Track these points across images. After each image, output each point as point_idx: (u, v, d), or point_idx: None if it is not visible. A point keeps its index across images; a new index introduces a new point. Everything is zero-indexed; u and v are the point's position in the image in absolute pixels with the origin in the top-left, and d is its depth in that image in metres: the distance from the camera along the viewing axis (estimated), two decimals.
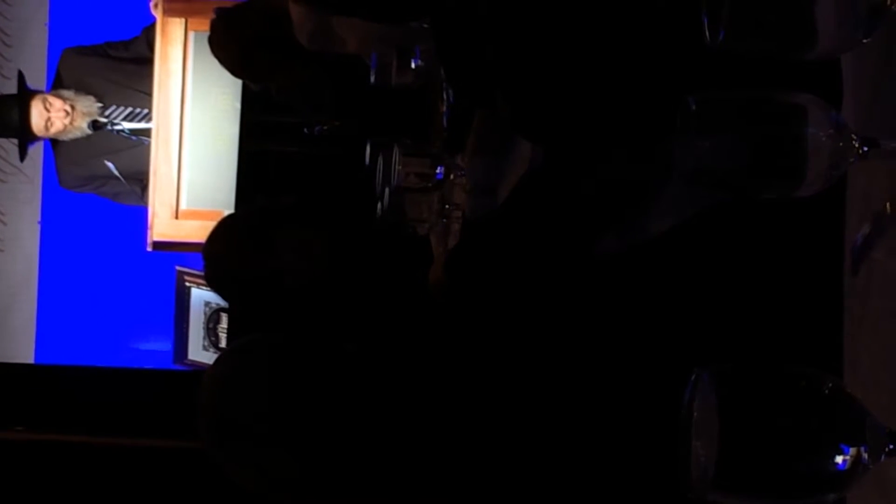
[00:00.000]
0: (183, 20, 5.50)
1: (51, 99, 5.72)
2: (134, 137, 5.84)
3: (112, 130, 5.82)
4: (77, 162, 5.92)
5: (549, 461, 2.05)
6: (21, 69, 6.02)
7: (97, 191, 6.00)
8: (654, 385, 1.69)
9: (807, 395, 1.24)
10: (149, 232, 5.58)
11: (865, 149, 1.40)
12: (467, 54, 2.43)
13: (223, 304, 5.69)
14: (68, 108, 5.71)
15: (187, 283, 5.95)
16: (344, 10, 3.15)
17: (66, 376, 5.97)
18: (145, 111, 5.74)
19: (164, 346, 6.24)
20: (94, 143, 5.84)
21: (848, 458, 1.22)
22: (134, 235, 6.07)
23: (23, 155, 5.93)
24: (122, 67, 5.86)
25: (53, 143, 5.95)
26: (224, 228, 2.99)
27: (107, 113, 5.80)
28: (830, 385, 1.24)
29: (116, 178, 5.85)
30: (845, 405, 1.24)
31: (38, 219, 6.74)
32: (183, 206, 5.59)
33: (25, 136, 5.78)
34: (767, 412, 1.23)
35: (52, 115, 5.70)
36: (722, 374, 1.24)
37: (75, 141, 5.84)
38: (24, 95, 5.79)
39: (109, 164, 5.82)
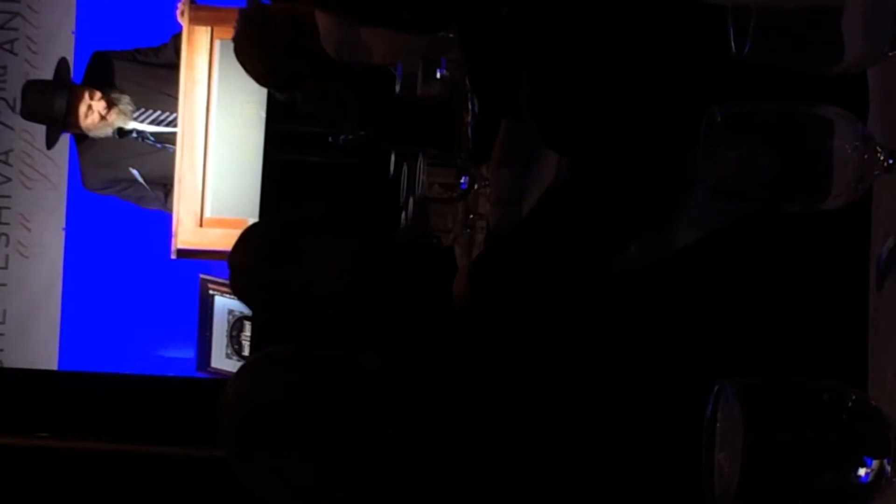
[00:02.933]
0: (209, 28, 5.52)
1: (96, 92, 5.76)
2: (159, 145, 5.86)
3: (137, 138, 5.85)
4: (102, 164, 5.95)
5: (573, 471, 2.04)
6: (48, 78, 6.05)
7: (120, 194, 6.02)
8: (678, 397, 1.69)
9: (831, 408, 1.23)
10: (173, 240, 5.60)
11: (891, 162, 1.40)
12: (493, 65, 2.43)
13: (246, 312, 5.70)
14: (108, 103, 5.74)
15: (211, 291, 5.96)
16: (371, 20, 3.15)
17: (89, 383, 6.00)
18: (174, 115, 5.76)
19: (188, 353, 6.25)
20: (120, 145, 5.87)
21: (871, 470, 1.22)
22: (158, 243, 6.09)
23: (52, 142, 5.97)
24: (150, 71, 5.90)
25: (78, 144, 5.99)
26: (250, 238, 3.00)
27: (135, 115, 5.83)
28: (854, 398, 1.24)
29: (140, 183, 5.88)
30: (869, 418, 1.24)
31: (63, 226, 6.77)
32: (207, 214, 5.61)
33: (66, 126, 5.81)
34: (791, 425, 1.23)
35: (93, 106, 5.73)
36: (746, 387, 1.24)
37: (101, 143, 5.87)
38: (73, 84, 5.83)
39: (134, 172, 5.85)
